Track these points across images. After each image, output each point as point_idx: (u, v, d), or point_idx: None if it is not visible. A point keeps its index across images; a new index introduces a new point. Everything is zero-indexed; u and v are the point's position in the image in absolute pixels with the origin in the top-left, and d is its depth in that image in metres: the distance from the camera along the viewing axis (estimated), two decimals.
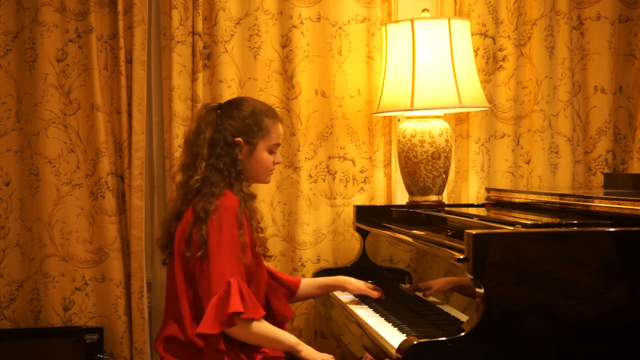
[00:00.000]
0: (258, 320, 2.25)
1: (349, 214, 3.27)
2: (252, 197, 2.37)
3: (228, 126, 2.36)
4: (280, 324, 2.47)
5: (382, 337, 2.23)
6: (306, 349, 2.34)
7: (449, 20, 2.93)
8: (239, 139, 2.35)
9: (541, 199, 2.69)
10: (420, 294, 2.57)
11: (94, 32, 3.11)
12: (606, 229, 2.06)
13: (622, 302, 2.01)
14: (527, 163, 3.36)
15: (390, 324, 2.38)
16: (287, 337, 2.34)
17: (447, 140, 2.98)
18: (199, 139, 2.36)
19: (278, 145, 2.45)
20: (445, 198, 3.14)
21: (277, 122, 2.43)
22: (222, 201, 2.27)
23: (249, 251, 2.29)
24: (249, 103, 2.43)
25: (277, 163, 2.46)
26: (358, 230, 3.16)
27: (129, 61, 3.15)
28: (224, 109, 2.41)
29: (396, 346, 2.01)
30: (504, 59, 3.30)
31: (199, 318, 2.25)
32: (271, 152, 2.42)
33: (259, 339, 2.28)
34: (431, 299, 2.52)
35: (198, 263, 2.25)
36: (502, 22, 3.29)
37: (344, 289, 2.74)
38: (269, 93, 3.24)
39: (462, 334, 1.94)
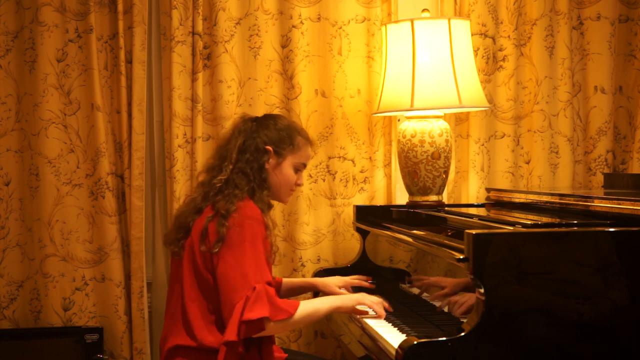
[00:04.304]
0: (290, 316, 2.23)
1: (349, 214, 3.27)
2: (270, 207, 2.40)
3: (262, 135, 2.40)
4: None
5: (382, 337, 2.23)
6: (344, 302, 2.37)
7: (449, 20, 2.93)
8: (269, 147, 2.38)
9: (541, 199, 2.69)
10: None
11: (94, 32, 3.12)
12: (606, 229, 2.06)
13: (622, 302, 2.01)
14: (527, 163, 3.36)
15: (390, 324, 2.38)
16: (322, 306, 2.33)
17: (447, 140, 2.98)
18: (229, 144, 2.40)
19: (304, 166, 2.48)
20: (445, 198, 3.14)
21: (307, 144, 2.47)
22: (244, 205, 2.27)
23: (272, 254, 2.33)
24: (286, 119, 2.50)
25: (299, 185, 2.48)
26: (358, 230, 3.16)
27: (129, 61, 3.15)
28: (261, 120, 2.46)
29: (396, 346, 2.01)
30: (504, 59, 3.30)
31: (214, 322, 2.24)
32: (297, 170, 2.44)
33: (299, 325, 2.33)
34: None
35: (215, 262, 2.23)
36: (502, 22, 3.29)
37: (317, 289, 2.74)
38: (269, 93, 3.24)
39: (462, 334, 1.94)
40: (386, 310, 2.48)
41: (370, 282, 2.73)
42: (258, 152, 2.37)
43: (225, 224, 2.23)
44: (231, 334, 2.15)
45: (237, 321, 2.15)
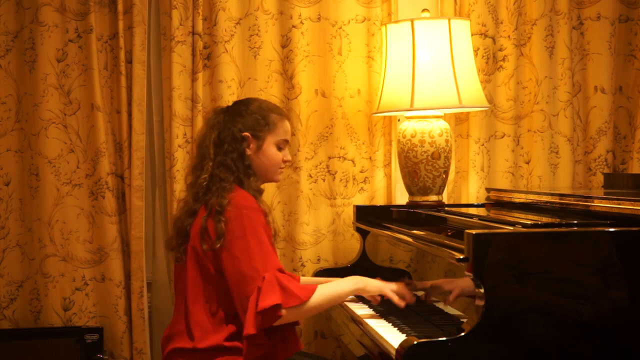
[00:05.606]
0: (305, 301, 2.20)
1: (349, 214, 3.27)
2: (260, 192, 2.38)
3: (236, 123, 2.37)
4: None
5: (382, 337, 2.23)
6: (367, 285, 2.38)
7: (449, 20, 2.93)
8: (246, 133, 2.36)
9: (541, 199, 2.69)
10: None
11: (94, 32, 3.12)
12: (606, 229, 2.06)
13: (622, 302, 2.01)
14: (527, 163, 3.36)
15: (390, 324, 2.38)
16: (344, 288, 2.33)
17: (447, 140, 2.98)
18: (205, 140, 2.38)
19: (287, 142, 2.44)
20: (445, 198, 3.13)
21: (284, 119, 2.44)
22: (234, 197, 2.26)
23: (275, 239, 2.32)
24: (256, 100, 2.46)
25: (287, 161, 2.45)
26: (358, 230, 3.16)
27: (129, 61, 3.15)
28: (232, 108, 2.43)
29: (396, 346, 2.01)
30: (504, 59, 3.30)
31: (223, 320, 2.24)
32: (280, 148, 2.41)
33: (318, 309, 2.28)
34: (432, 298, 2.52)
35: (220, 259, 2.21)
36: (502, 22, 3.29)
37: None
38: (269, 93, 3.24)
39: (462, 334, 1.94)
40: (386, 310, 2.47)
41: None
42: (236, 142, 2.35)
43: (223, 219, 2.22)
44: (249, 327, 2.14)
45: (253, 314, 2.14)
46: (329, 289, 2.29)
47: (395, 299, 2.39)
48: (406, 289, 2.43)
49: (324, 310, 2.37)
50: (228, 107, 2.46)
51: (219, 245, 2.21)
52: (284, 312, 2.16)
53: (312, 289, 2.22)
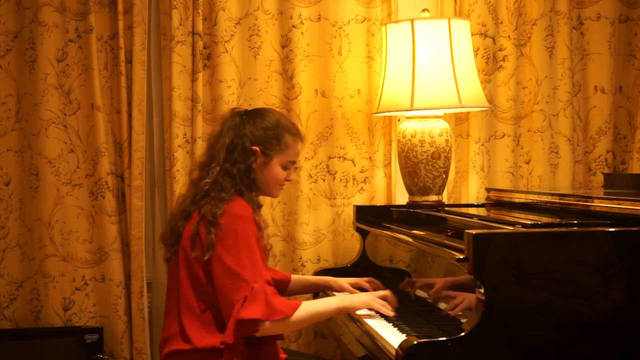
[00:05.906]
0: (288, 316, 2.21)
1: (349, 214, 3.27)
2: (259, 206, 2.38)
3: (249, 133, 2.35)
4: None
5: (382, 337, 2.23)
6: (352, 303, 2.38)
7: (449, 20, 2.93)
8: (256, 147, 2.34)
9: (541, 199, 2.69)
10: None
11: (94, 32, 3.12)
12: (606, 229, 2.06)
13: (622, 302, 2.01)
14: (527, 163, 3.36)
15: (390, 324, 2.38)
16: (327, 307, 2.33)
17: (447, 140, 2.98)
18: (218, 142, 2.36)
19: (293, 162, 2.44)
20: (445, 198, 3.13)
21: (297, 140, 2.42)
22: (231, 206, 2.25)
23: (266, 253, 2.33)
24: (274, 115, 2.42)
25: (289, 180, 2.44)
26: (358, 230, 3.16)
27: (129, 61, 3.15)
28: (249, 115, 2.40)
29: (396, 346, 2.01)
30: (504, 59, 3.30)
31: (213, 323, 2.24)
32: (285, 168, 2.40)
33: (301, 325, 2.30)
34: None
35: (211, 266, 2.22)
36: (502, 22, 3.29)
37: (329, 288, 2.73)
38: (269, 93, 3.24)
39: (462, 334, 1.94)
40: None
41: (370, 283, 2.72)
42: (245, 153, 2.33)
43: (213, 231, 2.21)
44: (228, 336, 2.15)
45: (234, 321, 2.15)
46: (312, 307, 2.29)
47: (383, 310, 2.37)
48: (391, 296, 2.43)
49: (307, 325, 2.38)
50: (246, 111, 2.43)
51: (207, 256, 2.21)
52: (267, 324, 2.17)
53: (296, 305, 2.22)
